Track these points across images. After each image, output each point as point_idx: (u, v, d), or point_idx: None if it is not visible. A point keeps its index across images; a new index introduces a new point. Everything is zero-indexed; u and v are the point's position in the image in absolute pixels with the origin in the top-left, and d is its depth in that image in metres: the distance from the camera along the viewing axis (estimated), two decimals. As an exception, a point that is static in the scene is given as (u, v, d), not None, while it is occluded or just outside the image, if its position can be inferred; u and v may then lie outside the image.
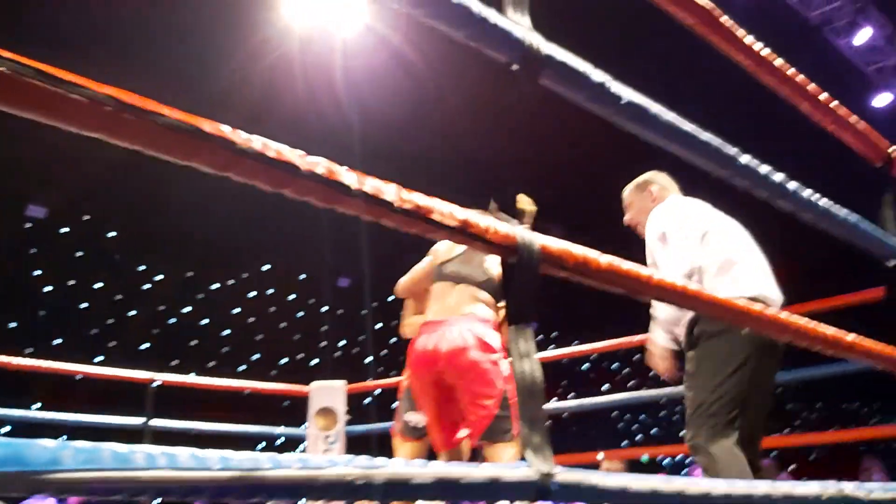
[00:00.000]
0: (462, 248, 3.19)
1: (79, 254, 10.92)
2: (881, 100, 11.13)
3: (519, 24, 1.31)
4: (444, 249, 3.42)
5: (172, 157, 0.92)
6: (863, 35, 10.22)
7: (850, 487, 1.66)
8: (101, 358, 9.38)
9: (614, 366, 15.99)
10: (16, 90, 0.77)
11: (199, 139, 0.91)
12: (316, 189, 1.01)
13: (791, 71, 2.01)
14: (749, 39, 1.89)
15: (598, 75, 1.44)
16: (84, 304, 10.96)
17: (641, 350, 3.39)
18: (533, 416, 1.15)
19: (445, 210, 1.13)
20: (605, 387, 13.91)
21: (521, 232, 1.23)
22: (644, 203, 3.30)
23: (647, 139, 1.55)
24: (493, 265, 3.33)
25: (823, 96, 2.13)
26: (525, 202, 3.46)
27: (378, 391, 7.13)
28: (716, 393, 2.74)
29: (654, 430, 16.34)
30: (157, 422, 5.09)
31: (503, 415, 2.96)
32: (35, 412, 6.18)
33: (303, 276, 13.46)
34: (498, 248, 1.21)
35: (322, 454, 5.86)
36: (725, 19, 1.82)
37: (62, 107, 0.81)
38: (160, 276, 11.85)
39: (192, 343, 11.64)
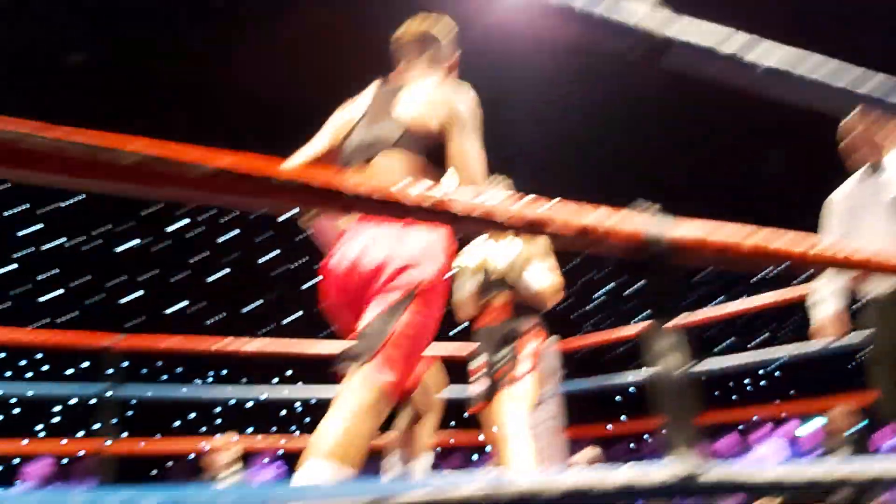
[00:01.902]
0: (364, 99, 2.32)
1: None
2: None
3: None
4: (344, 115, 2.35)
5: (291, 209, 1.00)
6: None
7: None
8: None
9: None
10: (139, 176, 0.89)
11: (314, 196, 0.99)
12: (427, 217, 1.06)
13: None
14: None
15: (729, 45, 1.36)
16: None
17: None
18: (678, 415, 1.14)
19: (559, 220, 1.13)
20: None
21: (646, 225, 1.21)
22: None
23: (794, 102, 1.44)
24: (409, 103, 2.20)
25: None
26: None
27: (589, 347, 7.11)
28: None
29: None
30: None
31: (375, 329, 1.93)
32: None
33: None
34: (625, 249, 1.20)
35: (538, 411, 5.97)
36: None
37: (182, 183, 0.91)
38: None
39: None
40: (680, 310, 1.21)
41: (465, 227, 1.03)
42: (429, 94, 2.20)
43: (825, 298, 3.03)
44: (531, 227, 1.10)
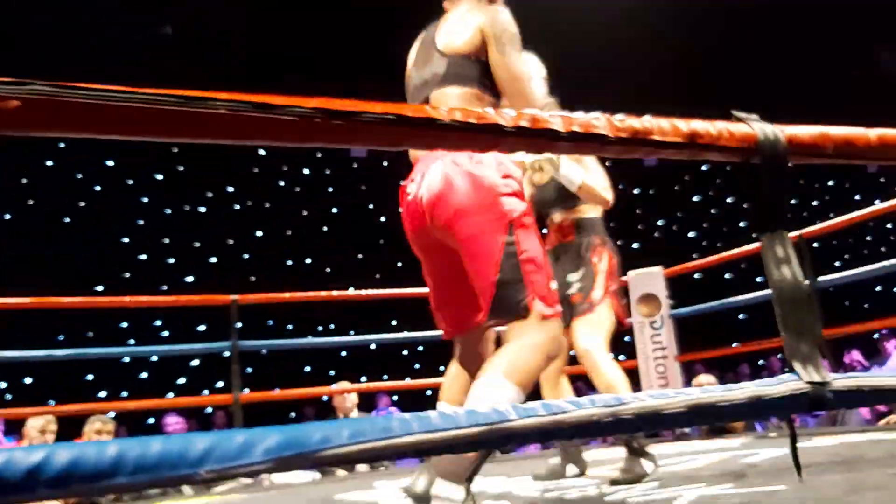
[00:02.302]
0: (413, 49, 2.29)
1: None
2: None
3: None
4: (408, 69, 2.33)
5: (384, 147, 0.99)
6: None
7: None
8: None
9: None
10: (236, 124, 0.89)
11: (405, 125, 0.97)
12: (526, 142, 1.03)
13: None
14: None
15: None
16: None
17: None
18: (799, 325, 1.08)
19: (667, 127, 1.08)
20: None
21: (760, 127, 1.14)
22: None
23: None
24: (444, 33, 2.18)
25: None
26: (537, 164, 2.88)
27: (697, 273, 6.94)
28: None
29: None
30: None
31: (507, 279, 1.90)
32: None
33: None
34: (737, 153, 1.14)
35: (650, 340, 5.92)
36: None
37: (278, 128, 0.91)
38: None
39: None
40: (793, 220, 1.15)
41: (568, 145, 0.99)
42: (462, 18, 2.16)
43: None
44: (637, 139, 1.05)
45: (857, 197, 12.21)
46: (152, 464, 0.78)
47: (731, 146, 1.12)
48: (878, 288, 13.09)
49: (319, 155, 11.16)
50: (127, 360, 9.11)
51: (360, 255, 11.17)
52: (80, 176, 9.94)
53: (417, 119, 0.97)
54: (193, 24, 9.21)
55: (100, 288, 8.88)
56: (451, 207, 1.94)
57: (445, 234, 1.99)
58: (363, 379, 8.28)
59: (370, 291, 5.50)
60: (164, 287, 9.43)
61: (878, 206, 4.90)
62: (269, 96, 0.91)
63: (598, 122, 1.04)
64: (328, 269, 10.74)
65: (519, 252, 1.91)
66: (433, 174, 1.99)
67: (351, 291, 5.65)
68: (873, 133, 1.22)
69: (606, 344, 3.05)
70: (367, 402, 7.79)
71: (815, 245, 6.57)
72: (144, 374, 9.64)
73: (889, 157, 1.21)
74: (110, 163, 10.12)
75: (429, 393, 8.89)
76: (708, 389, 1.00)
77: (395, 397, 8.75)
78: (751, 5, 9.61)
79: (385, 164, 10.97)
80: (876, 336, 7.75)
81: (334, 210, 11.40)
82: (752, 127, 1.13)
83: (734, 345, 5.84)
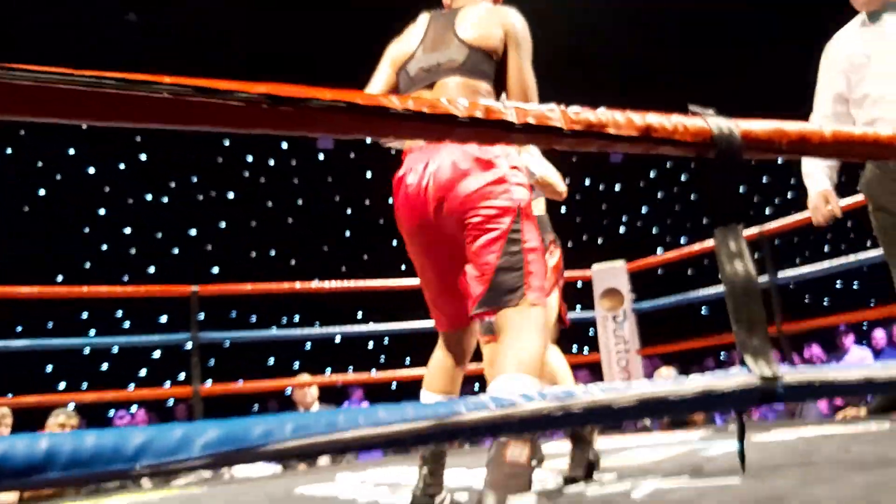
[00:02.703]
0: (418, 29, 2.27)
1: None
2: None
3: None
4: (400, 47, 2.30)
5: (335, 135, 0.97)
6: None
7: None
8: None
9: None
10: (179, 108, 0.87)
11: (357, 113, 0.95)
12: (479, 132, 1.02)
13: None
14: None
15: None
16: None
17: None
18: (750, 319, 1.08)
19: (621, 120, 1.07)
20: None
21: (715, 122, 1.14)
22: None
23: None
24: (469, 24, 2.18)
25: None
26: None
27: (660, 268, 7.01)
28: None
29: None
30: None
31: (508, 265, 1.92)
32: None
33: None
34: (692, 147, 1.13)
35: (612, 334, 5.96)
36: None
37: (223, 113, 0.89)
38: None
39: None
40: (747, 216, 1.15)
41: (522, 137, 0.98)
42: (486, 15, 2.17)
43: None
44: (592, 132, 1.04)
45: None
46: (86, 458, 0.75)
47: (686, 140, 1.11)
48: (838, 284, 13.32)
49: (285, 146, 11.06)
50: (87, 351, 8.98)
51: (325, 247, 11.10)
52: (40, 164, 9.75)
53: (370, 107, 0.95)
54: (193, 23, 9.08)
55: (59, 278, 8.73)
56: (462, 192, 1.95)
57: (452, 221, 1.99)
58: (328, 371, 8.23)
59: (335, 283, 5.46)
60: (126, 277, 9.29)
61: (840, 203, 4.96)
62: (214, 81, 0.88)
63: (553, 113, 1.03)
64: (293, 261, 10.67)
65: (522, 241, 1.94)
66: (441, 161, 1.98)
67: (315, 283, 5.60)
68: (828, 130, 1.22)
69: (550, 337, 3.04)
70: (339, 396, 7.76)
71: (776, 242, 6.65)
72: (105, 366, 9.50)
73: (843, 154, 1.22)
74: (72, 151, 9.94)
75: (394, 386, 8.88)
76: (659, 383, 0.99)
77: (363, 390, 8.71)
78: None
79: (352, 155, 10.91)
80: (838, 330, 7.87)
81: (300, 201, 11.31)
82: (708, 121, 1.13)
83: (696, 339, 5.89)
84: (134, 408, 8.09)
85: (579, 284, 6.19)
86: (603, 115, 1.06)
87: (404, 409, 0.87)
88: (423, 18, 2.30)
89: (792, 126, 1.20)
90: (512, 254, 1.92)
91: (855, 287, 13.29)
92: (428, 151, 2.02)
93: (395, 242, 11.37)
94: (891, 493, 1.62)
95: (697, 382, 1.01)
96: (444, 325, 2.19)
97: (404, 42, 2.28)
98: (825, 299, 12.79)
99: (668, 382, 0.99)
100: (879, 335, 6.85)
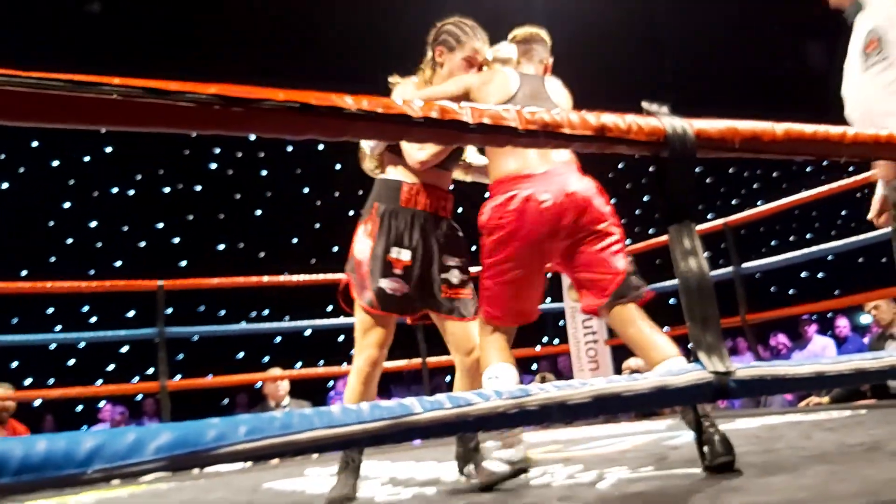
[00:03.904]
0: (513, 79, 2.56)
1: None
2: None
3: None
4: (490, 87, 2.54)
5: (288, 135, 0.97)
6: None
7: None
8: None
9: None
10: (128, 110, 0.86)
11: (310, 113, 0.95)
12: (435, 133, 1.02)
13: None
14: None
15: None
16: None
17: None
18: (704, 316, 1.10)
19: (576, 120, 1.08)
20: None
21: (669, 121, 1.15)
22: None
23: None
24: (559, 90, 2.66)
25: None
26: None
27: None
28: None
29: None
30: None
31: (633, 269, 2.41)
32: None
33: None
34: (646, 146, 1.14)
35: (581, 325, 6.01)
36: None
37: (174, 114, 0.88)
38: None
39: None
40: (699, 213, 1.17)
41: (477, 136, 0.99)
42: (561, 87, 2.66)
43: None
44: (547, 131, 1.05)
45: (784, 186, 12.57)
46: (37, 464, 0.75)
47: (640, 140, 1.13)
48: (804, 274, 13.52)
49: (253, 137, 10.96)
50: (53, 346, 8.86)
51: (294, 240, 11.04)
52: (2, 157, 9.59)
53: (323, 108, 0.95)
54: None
55: (24, 272, 8.59)
56: (598, 208, 2.40)
57: (583, 231, 2.40)
58: (298, 365, 8.20)
59: (304, 277, 5.43)
60: (92, 272, 9.17)
61: (804, 194, 5.05)
62: (165, 82, 0.87)
63: (508, 113, 1.04)
64: (262, 254, 10.60)
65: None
66: (577, 184, 2.41)
67: (284, 277, 5.56)
68: (780, 128, 1.24)
69: None
70: (311, 390, 7.70)
71: (742, 232, 6.74)
72: (72, 361, 9.38)
73: (795, 152, 1.24)
74: (35, 143, 9.78)
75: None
76: (613, 379, 1.01)
77: (331, 383, 8.69)
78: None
79: (321, 147, 10.83)
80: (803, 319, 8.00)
81: (268, 193, 11.23)
82: (661, 121, 1.15)
83: (664, 329, 5.95)
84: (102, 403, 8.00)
85: (549, 276, 6.21)
86: (558, 115, 1.07)
87: (360, 410, 0.87)
88: (513, 74, 2.60)
89: (744, 125, 1.22)
90: (630, 261, 2.41)
91: (820, 277, 13.51)
92: (553, 176, 2.40)
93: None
94: (846, 483, 1.65)
95: (652, 379, 1.03)
96: (511, 321, 2.51)
97: (501, 84, 2.55)
98: (790, 289, 12.98)
99: (623, 379, 1.01)
100: (843, 323, 6.97)
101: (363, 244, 2.63)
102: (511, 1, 8.74)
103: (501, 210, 2.39)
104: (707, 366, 1.06)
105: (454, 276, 2.69)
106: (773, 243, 12.45)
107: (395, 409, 0.89)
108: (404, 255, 2.59)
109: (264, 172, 11.30)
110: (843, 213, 13.62)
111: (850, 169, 4.53)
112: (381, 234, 2.60)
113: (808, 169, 12.01)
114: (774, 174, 13.68)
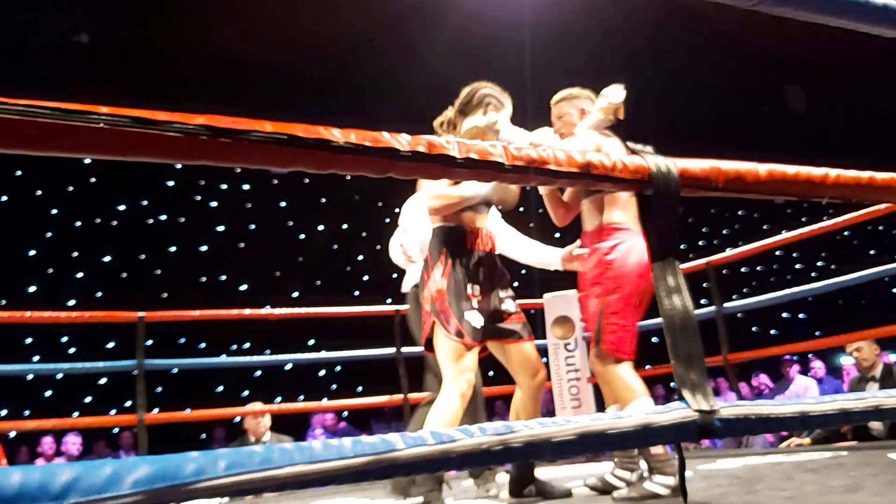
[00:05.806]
0: (615, 143, 2.90)
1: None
2: None
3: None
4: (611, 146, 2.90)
5: (275, 167, 0.97)
6: None
7: None
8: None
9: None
10: (116, 139, 0.86)
11: (297, 146, 0.95)
12: (422, 167, 1.03)
13: None
14: None
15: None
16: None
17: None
18: (688, 354, 1.10)
19: (562, 157, 1.09)
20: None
21: (653, 160, 1.16)
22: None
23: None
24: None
25: None
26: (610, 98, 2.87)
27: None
28: None
29: None
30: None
31: None
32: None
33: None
34: (629, 185, 1.15)
35: (563, 362, 5.99)
36: None
37: (161, 144, 0.88)
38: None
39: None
40: (682, 251, 1.17)
41: (464, 172, 0.99)
42: None
43: None
44: (533, 167, 1.06)
45: (765, 227, 12.69)
46: (10, 496, 0.73)
47: (625, 178, 1.13)
48: (785, 314, 13.60)
49: (238, 170, 10.96)
50: (30, 377, 8.72)
51: (277, 273, 10.99)
52: (-16, 185, 9.54)
53: (310, 140, 0.95)
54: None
55: (2, 302, 8.49)
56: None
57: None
58: (278, 400, 8.12)
59: (286, 310, 5.40)
60: (73, 302, 9.08)
61: (785, 235, 5.09)
62: (153, 112, 0.87)
63: (495, 149, 1.04)
64: (244, 287, 10.54)
65: None
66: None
67: (266, 310, 5.53)
68: (763, 168, 1.26)
69: None
70: (293, 425, 7.61)
71: (724, 272, 6.78)
72: (48, 392, 9.24)
73: (778, 192, 1.25)
74: (18, 172, 9.73)
75: (345, 414, 8.79)
76: (598, 417, 1.00)
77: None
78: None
79: (306, 181, 10.85)
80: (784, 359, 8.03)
81: (252, 226, 11.20)
82: (646, 159, 1.15)
83: (647, 367, 5.94)
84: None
85: (532, 312, 6.21)
86: (544, 151, 1.08)
87: (341, 445, 0.86)
88: (606, 133, 2.94)
89: (728, 165, 1.23)
90: None
91: (801, 317, 13.58)
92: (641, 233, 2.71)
93: (348, 269, 11.32)
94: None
95: (636, 417, 1.02)
96: (629, 354, 2.91)
97: (617, 146, 2.86)
98: (771, 329, 13.04)
99: (608, 416, 1.00)
100: (818, 365, 7.03)
101: (440, 283, 2.80)
102: (493, 47, 8.85)
103: (638, 259, 2.77)
104: (692, 404, 1.06)
105: (511, 305, 2.91)
106: (754, 283, 12.52)
107: (378, 444, 0.88)
108: (476, 290, 2.79)
109: (248, 205, 11.28)
110: (824, 254, 13.76)
111: (830, 211, 4.59)
112: (454, 274, 2.79)
113: (789, 210, 12.15)
114: (755, 215, 13.81)
